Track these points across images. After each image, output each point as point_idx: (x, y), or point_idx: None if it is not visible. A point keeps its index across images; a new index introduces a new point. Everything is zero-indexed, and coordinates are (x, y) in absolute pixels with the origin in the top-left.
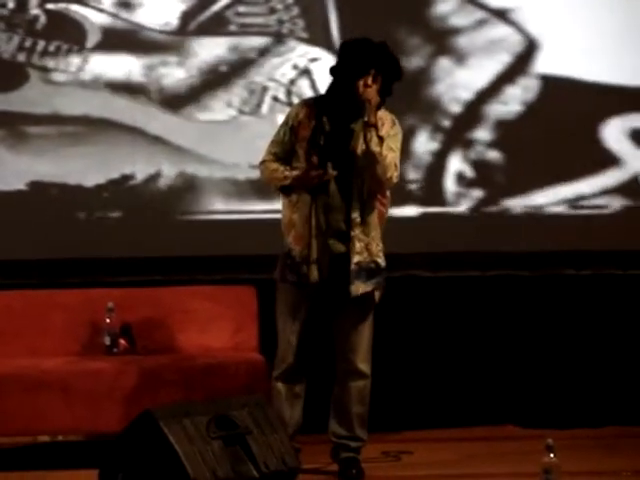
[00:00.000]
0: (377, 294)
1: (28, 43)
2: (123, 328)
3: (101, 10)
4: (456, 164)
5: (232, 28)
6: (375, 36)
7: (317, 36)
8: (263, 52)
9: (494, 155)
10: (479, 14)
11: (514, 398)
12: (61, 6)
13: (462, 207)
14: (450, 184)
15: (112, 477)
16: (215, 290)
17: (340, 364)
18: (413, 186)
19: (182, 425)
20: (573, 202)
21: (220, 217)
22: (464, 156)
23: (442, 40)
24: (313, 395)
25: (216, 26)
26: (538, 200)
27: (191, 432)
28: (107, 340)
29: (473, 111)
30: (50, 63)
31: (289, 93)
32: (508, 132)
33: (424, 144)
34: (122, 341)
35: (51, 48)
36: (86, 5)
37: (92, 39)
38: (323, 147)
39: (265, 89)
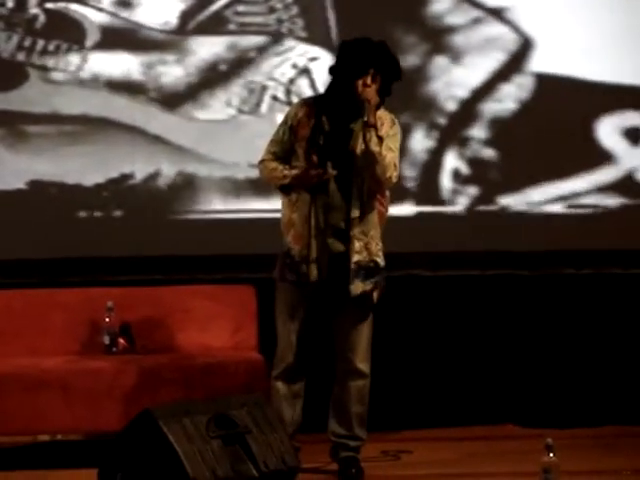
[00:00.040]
0: (375, 294)
1: (27, 42)
2: (122, 327)
3: (100, 9)
4: (452, 161)
5: (231, 27)
6: (371, 35)
7: (316, 35)
8: (262, 51)
9: (489, 152)
10: (474, 13)
11: (514, 397)
12: (60, 5)
13: (459, 205)
14: (446, 181)
15: (111, 476)
16: (215, 289)
17: (340, 364)
18: (409, 184)
19: (181, 424)
20: (568, 199)
21: (219, 216)
22: (460, 153)
23: (438, 38)
24: (312, 394)
25: (215, 25)
26: (533, 197)
27: (190, 431)
28: (106, 339)
29: (468, 109)
30: (49, 62)
31: (288, 92)
32: (503, 130)
33: (420, 142)
34: (121, 340)
35: (50, 47)
36: (85, 4)
37: (92, 38)
38: (322, 146)
39: (264, 88)
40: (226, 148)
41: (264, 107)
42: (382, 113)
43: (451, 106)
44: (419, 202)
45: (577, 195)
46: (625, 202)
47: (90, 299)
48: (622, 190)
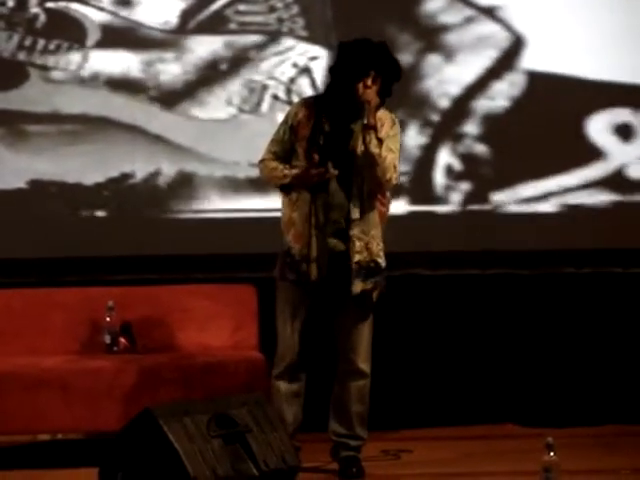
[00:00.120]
0: (375, 293)
1: (28, 42)
2: (123, 327)
3: (101, 8)
4: (445, 157)
5: (232, 26)
6: (368, 33)
7: (317, 35)
8: (263, 50)
9: (482, 149)
10: (467, 12)
11: (514, 397)
12: (61, 4)
13: (454, 203)
14: (439, 177)
15: (112, 476)
16: (215, 289)
17: (341, 364)
18: (403, 179)
19: (182, 423)
20: (558, 195)
21: (220, 215)
22: (453, 150)
23: (431, 37)
24: (313, 393)
25: (216, 24)
26: (524, 193)
27: (191, 430)
28: (107, 339)
29: (461, 106)
30: (50, 62)
31: (289, 92)
32: (495, 126)
33: (414, 138)
34: (122, 340)
35: (51, 47)
36: (86, 4)
37: (92, 38)
38: (323, 146)
39: (265, 87)
40: (226, 147)
41: (265, 106)
42: (382, 114)
43: (444, 103)
44: (412, 197)
45: (568, 191)
46: (616, 199)
47: (90, 299)
48: (613, 186)
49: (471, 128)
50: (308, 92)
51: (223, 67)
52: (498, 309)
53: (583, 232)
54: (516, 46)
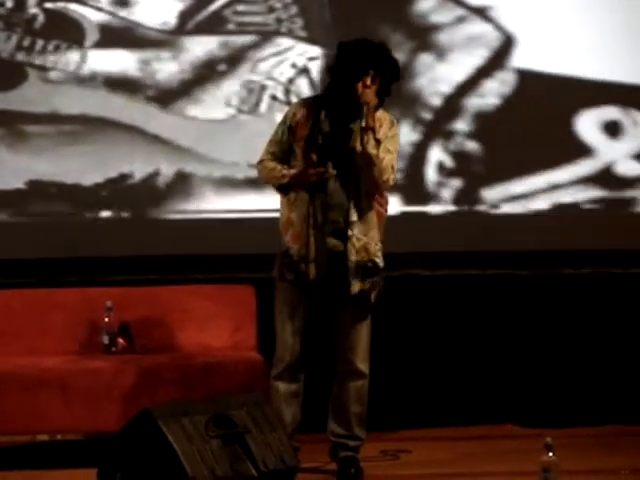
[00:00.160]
0: (373, 293)
1: (27, 42)
2: (122, 327)
3: (99, 9)
4: (436, 154)
5: (230, 27)
6: (364, 34)
7: (315, 35)
8: (261, 51)
9: (473, 146)
10: (458, 11)
11: (513, 397)
12: (59, 5)
13: (445, 200)
14: (431, 174)
15: (111, 476)
16: (214, 289)
17: (340, 364)
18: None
19: (181, 424)
20: (549, 192)
21: (218, 216)
22: (444, 147)
23: (423, 36)
24: (312, 394)
25: (214, 25)
26: (515, 190)
27: (190, 431)
28: (106, 339)
29: (453, 104)
30: (49, 62)
31: (288, 92)
32: (486, 124)
33: (406, 135)
34: (121, 340)
35: (50, 47)
36: (84, 4)
37: (91, 38)
38: (321, 146)
39: (263, 88)
40: (225, 148)
41: (263, 107)
42: (381, 114)
43: (436, 101)
44: (404, 194)
45: (558, 187)
46: (604, 195)
47: (89, 299)
48: (602, 183)
49: (462, 126)
50: (307, 92)
51: (222, 67)
52: (497, 309)
53: (575, 230)
54: (506, 45)
